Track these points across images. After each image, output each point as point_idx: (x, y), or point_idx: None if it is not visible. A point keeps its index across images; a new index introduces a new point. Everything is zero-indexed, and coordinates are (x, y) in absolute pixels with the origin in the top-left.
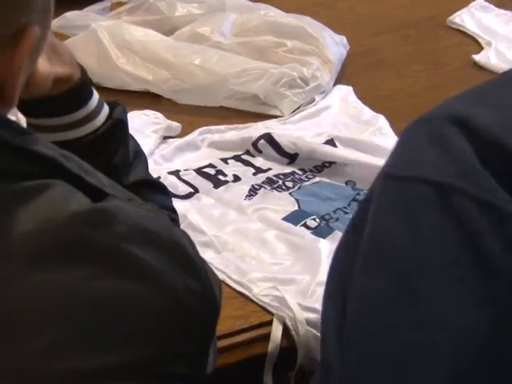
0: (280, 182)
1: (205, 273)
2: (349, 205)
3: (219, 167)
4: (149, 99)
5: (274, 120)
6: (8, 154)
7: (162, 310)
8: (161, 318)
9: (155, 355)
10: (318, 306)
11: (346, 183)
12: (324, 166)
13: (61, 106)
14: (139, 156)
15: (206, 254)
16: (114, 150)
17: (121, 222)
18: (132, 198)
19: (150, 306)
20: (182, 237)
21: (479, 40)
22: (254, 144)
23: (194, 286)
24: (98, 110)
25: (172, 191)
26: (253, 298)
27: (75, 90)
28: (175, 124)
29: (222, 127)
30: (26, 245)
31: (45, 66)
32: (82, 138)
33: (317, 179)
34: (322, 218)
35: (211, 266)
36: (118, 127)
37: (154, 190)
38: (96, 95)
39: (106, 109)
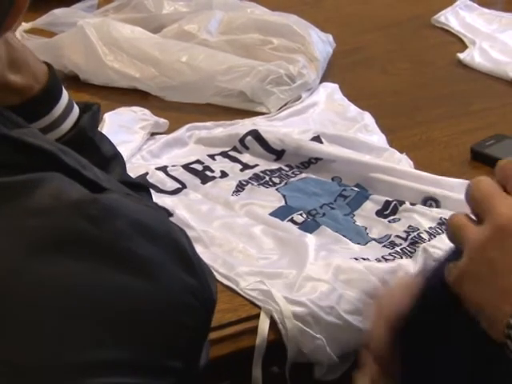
0: (267, 178)
1: (201, 269)
2: (335, 200)
3: (206, 163)
4: (136, 96)
5: (261, 117)
6: (6, 146)
7: (159, 305)
8: (157, 312)
9: (151, 349)
10: (305, 299)
11: (332, 179)
12: (310, 163)
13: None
14: (115, 159)
15: None
16: (83, 156)
17: (121, 216)
18: (130, 194)
19: (147, 301)
20: (180, 234)
21: (463, 39)
22: (241, 140)
23: (191, 283)
24: (62, 118)
25: (160, 187)
26: (240, 291)
27: (33, 101)
28: (162, 120)
29: (209, 124)
30: (25, 237)
31: None
32: None
33: (303, 175)
34: (308, 213)
35: None
36: (81, 136)
37: (136, 190)
38: (63, 102)
39: (73, 116)
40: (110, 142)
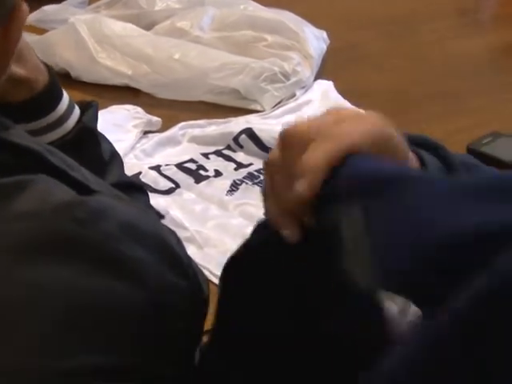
0: (261, 177)
1: (192, 271)
2: None
3: (200, 162)
4: (128, 94)
5: (255, 114)
6: None
7: (148, 308)
8: (147, 316)
9: (140, 354)
10: None
11: None
12: None
13: (25, 112)
14: (114, 158)
15: (188, 250)
16: (84, 155)
17: (109, 218)
18: (119, 195)
19: (135, 305)
20: (170, 235)
21: None
22: (235, 139)
23: (181, 285)
24: (66, 115)
25: (153, 186)
26: None
27: (40, 96)
28: (155, 119)
29: (202, 122)
30: (12, 241)
31: None
32: (50, 144)
33: None
34: None
35: None
36: (85, 133)
37: (131, 190)
38: (65, 100)
39: (75, 113)
40: (108, 140)
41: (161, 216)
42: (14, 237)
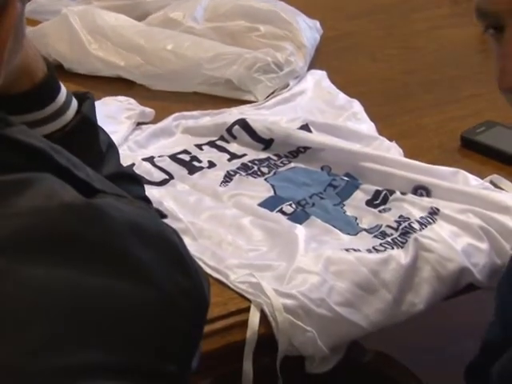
0: (255, 168)
1: (194, 270)
2: (325, 190)
3: (194, 153)
4: (121, 85)
5: (248, 105)
6: None
7: (150, 307)
8: (148, 315)
9: (141, 353)
10: (295, 292)
11: (322, 168)
12: (299, 152)
13: (26, 103)
14: (111, 148)
15: None
16: (84, 146)
17: (113, 218)
18: (121, 195)
19: (137, 304)
20: (173, 234)
21: None
22: (229, 130)
23: (184, 284)
24: (65, 106)
25: (147, 178)
26: (230, 284)
27: (41, 86)
28: (148, 110)
29: (195, 113)
30: (14, 239)
31: None
32: (49, 136)
33: (292, 165)
34: (298, 203)
35: None
36: (86, 123)
37: (127, 181)
38: (64, 90)
39: (74, 104)
40: (104, 131)
41: (163, 216)
42: (15, 233)
